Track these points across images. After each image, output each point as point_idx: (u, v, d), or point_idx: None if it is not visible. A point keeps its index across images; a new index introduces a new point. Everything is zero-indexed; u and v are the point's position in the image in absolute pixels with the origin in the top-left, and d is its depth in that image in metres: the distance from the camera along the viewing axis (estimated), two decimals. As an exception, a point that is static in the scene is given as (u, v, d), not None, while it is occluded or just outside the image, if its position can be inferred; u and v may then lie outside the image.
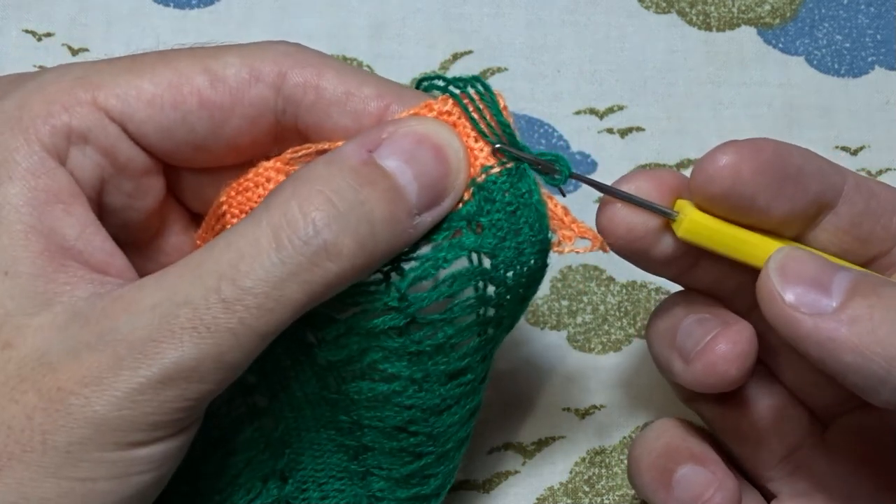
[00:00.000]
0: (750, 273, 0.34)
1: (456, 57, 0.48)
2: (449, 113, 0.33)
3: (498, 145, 0.33)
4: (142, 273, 0.34)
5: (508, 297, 0.34)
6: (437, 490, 0.37)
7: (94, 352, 0.29)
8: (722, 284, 0.37)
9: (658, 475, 0.37)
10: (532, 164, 0.33)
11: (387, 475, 0.37)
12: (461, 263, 0.33)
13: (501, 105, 0.33)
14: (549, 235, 0.34)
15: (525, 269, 0.34)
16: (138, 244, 0.37)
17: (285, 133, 0.35)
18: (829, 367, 0.31)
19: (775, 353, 0.38)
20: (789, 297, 0.31)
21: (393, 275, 0.33)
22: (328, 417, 0.37)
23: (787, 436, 0.38)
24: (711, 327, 0.35)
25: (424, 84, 0.34)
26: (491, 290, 0.34)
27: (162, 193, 0.36)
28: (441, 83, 0.34)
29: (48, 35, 0.46)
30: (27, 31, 0.46)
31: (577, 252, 0.34)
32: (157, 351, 0.29)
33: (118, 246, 0.33)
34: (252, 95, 0.33)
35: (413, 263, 0.33)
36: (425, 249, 0.33)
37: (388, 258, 0.32)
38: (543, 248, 0.34)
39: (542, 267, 0.34)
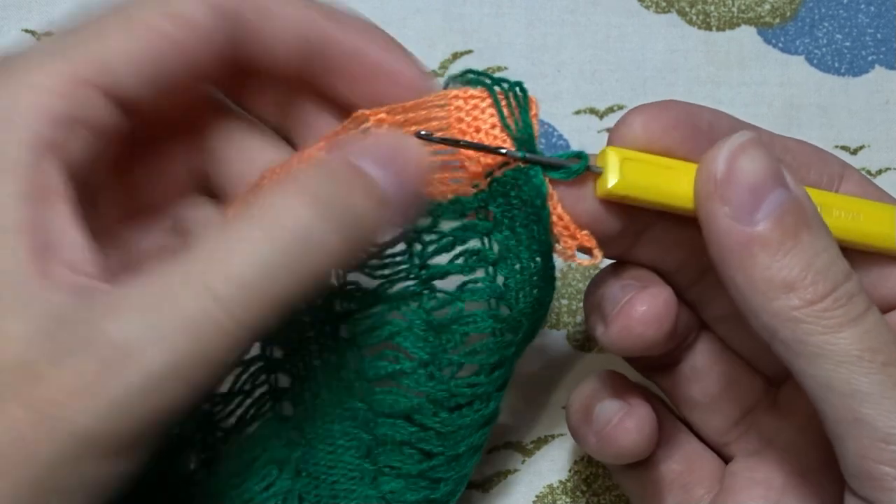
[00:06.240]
0: (690, 248, 0.35)
1: (456, 57, 0.48)
2: (482, 98, 0.35)
3: (520, 151, 0.34)
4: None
5: (520, 295, 0.35)
6: (446, 496, 0.38)
7: (79, 358, 0.28)
8: (664, 261, 0.37)
9: (582, 415, 0.38)
10: (549, 166, 0.34)
11: (397, 474, 0.37)
12: (474, 245, 0.36)
13: (532, 112, 0.34)
14: (551, 238, 0.34)
15: (532, 265, 0.35)
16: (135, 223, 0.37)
17: (250, 63, 0.36)
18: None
19: (724, 321, 0.39)
20: (721, 190, 0.32)
21: (415, 245, 0.36)
22: (344, 405, 0.37)
23: (739, 400, 0.39)
24: (630, 291, 0.35)
25: (470, 76, 0.35)
26: (500, 279, 0.35)
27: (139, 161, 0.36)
28: (487, 81, 0.35)
29: (48, 35, 0.46)
30: (27, 31, 0.46)
31: (581, 263, 0.34)
32: (144, 353, 0.28)
33: (117, 230, 0.33)
34: (210, 25, 0.34)
35: (432, 236, 0.36)
36: (444, 227, 0.36)
37: (368, 246, 0.34)
38: (544, 251, 0.34)
39: (547, 269, 0.35)
